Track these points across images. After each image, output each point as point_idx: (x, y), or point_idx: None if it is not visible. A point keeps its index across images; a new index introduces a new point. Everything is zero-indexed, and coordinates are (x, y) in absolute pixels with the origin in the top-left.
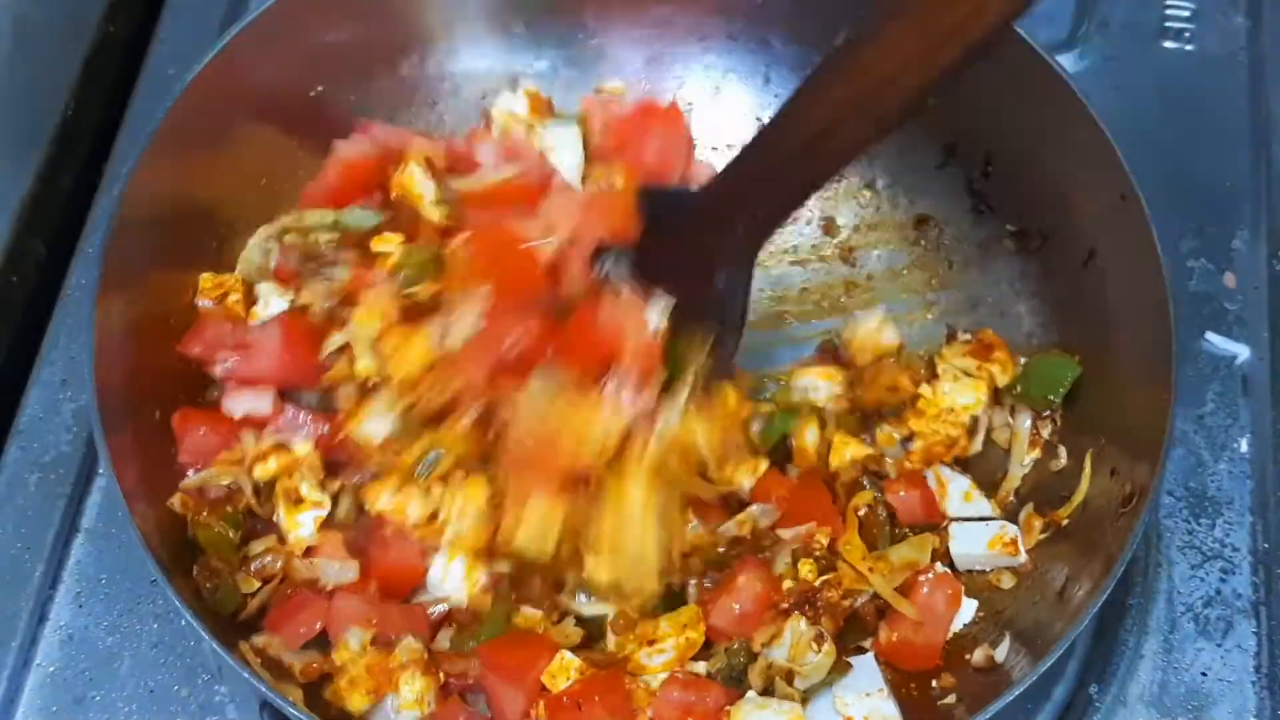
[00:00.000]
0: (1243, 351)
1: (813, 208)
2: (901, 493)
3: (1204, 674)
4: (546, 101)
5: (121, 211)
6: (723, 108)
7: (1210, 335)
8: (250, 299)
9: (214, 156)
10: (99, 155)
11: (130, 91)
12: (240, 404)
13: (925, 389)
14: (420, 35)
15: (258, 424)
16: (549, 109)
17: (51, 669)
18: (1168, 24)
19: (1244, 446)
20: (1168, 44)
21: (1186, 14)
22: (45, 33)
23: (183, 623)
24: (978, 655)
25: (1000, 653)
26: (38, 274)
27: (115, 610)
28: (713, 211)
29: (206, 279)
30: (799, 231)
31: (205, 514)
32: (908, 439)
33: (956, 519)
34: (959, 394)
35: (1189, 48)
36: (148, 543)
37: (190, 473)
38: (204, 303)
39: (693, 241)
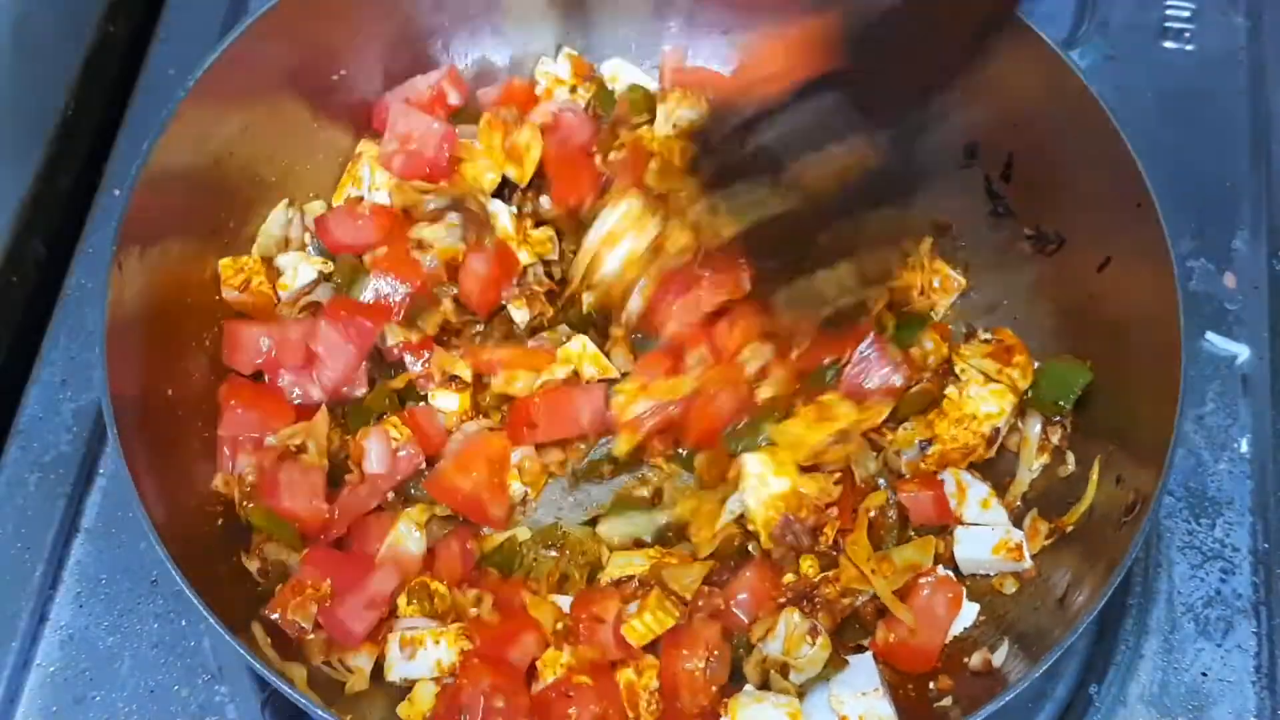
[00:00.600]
0: (1243, 351)
1: None
2: (915, 493)
3: (1204, 674)
4: (589, 66)
5: (142, 180)
6: None
7: (1210, 335)
8: (273, 276)
9: (235, 134)
10: (99, 155)
11: (130, 91)
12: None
13: (951, 390)
14: (441, 28)
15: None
16: (590, 72)
17: (51, 669)
18: (1168, 24)
19: (1244, 446)
20: (1168, 44)
21: (1186, 14)
22: (45, 33)
23: (183, 623)
24: (975, 659)
25: (998, 657)
26: (38, 274)
27: (115, 610)
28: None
29: (226, 266)
30: None
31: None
32: (928, 442)
33: (969, 524)
34: (984, 402)
35: (1189, 48)
36: (158, 532)
37: (232, 457)
38: (230, 293)
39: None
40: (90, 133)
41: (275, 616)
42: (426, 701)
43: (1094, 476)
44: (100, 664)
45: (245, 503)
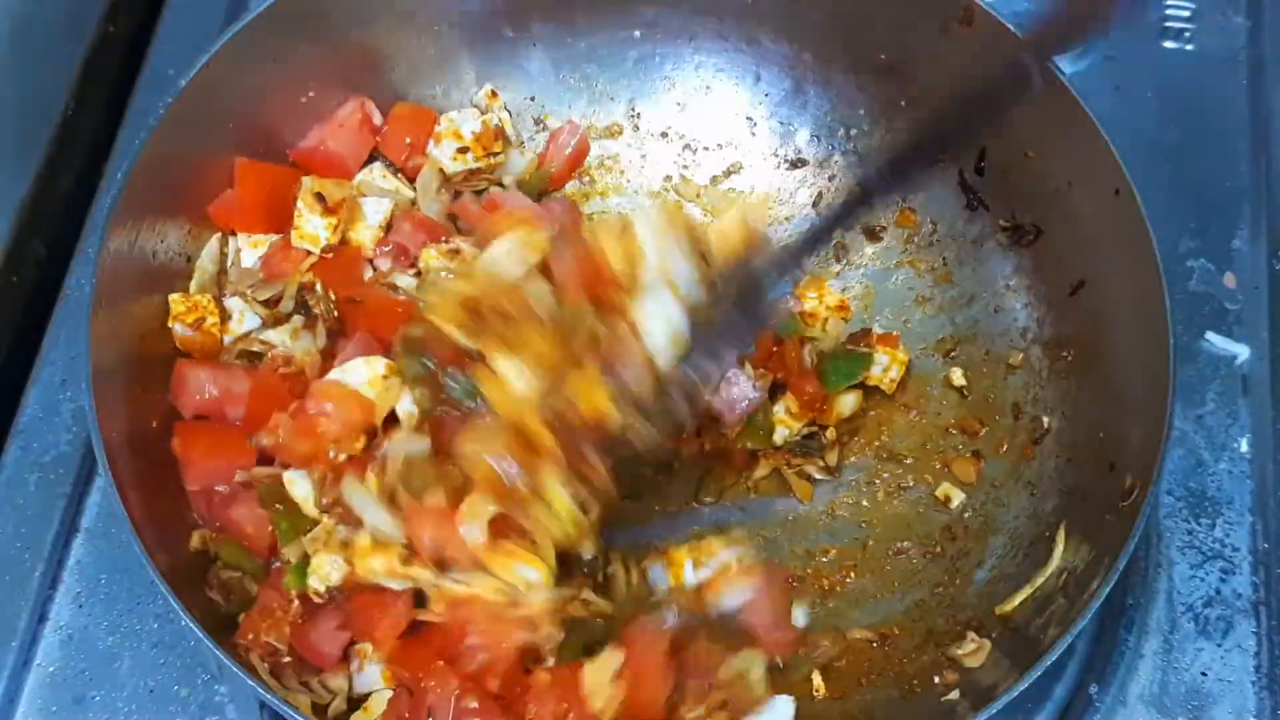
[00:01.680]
0: (1243, 351)
1: (805, 205)
2: None
3: (1204, 674)
4: (497, 133)
5: (115, 213)
6: (714, 107)
7: (1210, 335)
8: (226, 316)
9: (206, 161)
10: (99, 155)
11: (130, 91)
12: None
13: None
14: (410, 42)
15: None
16: (492, 144)
17: (51, 669)
18: (1168, 24)
19: (1244, 446)
20: (1168, 44)
21: (1186, 14)
22: (45, 33)
23: (183, 623)
24: (979, 652)
25: (1001, 650)
26: (38, 274)
27: (115, 610)
28: None
29: (177, 301)
30: (792, 229)
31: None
32: None
33: None
34: None
35: (1189, 48)
36: (160, 571)
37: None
38: (180, 329)
39: None
40: (90, 133)
41: (246, 642)
42: (379, 709)
43: (1059, 541)
44: (100, 664)
45: (213, 535)
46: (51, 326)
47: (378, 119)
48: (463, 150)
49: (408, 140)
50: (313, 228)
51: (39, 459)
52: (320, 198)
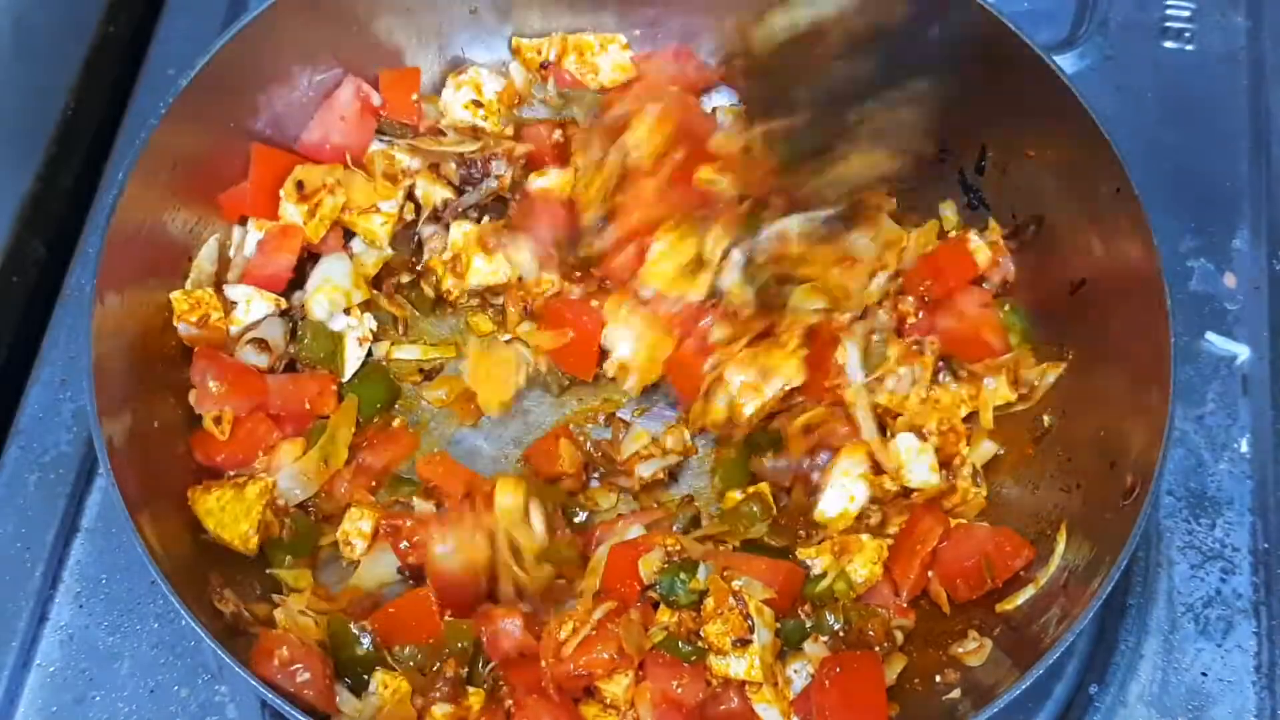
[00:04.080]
0: (1243, 351)
1: None
2: None
3: (1204, 674)
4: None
5: (118, 211)
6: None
7: (1210, 335)
8: (228, 308)
9: (207, 160)
10: (99, 155)
11: (130, 91)
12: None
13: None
14: (411, 43)
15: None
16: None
17: (51, 669)
18: (1168, 24)
19: (1244, 446)
20: (1168, 44)
21: (1186, 14)
22: (45, 33)
23: (183, 623)
24: (980, 651)
25: (1002, 649)
26: (38, 274)
27: (115, 610)
28: None
29: (179, 299)
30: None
31: None
32: None
33: None
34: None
35: (1189, 48)
36: (161, 571)
37: None
38: (184, 327)
39: None
40: (90, 133)
41: None
42: None
43: (1060, 540)
44: (100, 664)
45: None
46: (51, 326)
47: (376, 100)
48: (477, 104)
49: (413, 98)
50: (290, 215)
51: (39, 459)
52: (299, 185)
